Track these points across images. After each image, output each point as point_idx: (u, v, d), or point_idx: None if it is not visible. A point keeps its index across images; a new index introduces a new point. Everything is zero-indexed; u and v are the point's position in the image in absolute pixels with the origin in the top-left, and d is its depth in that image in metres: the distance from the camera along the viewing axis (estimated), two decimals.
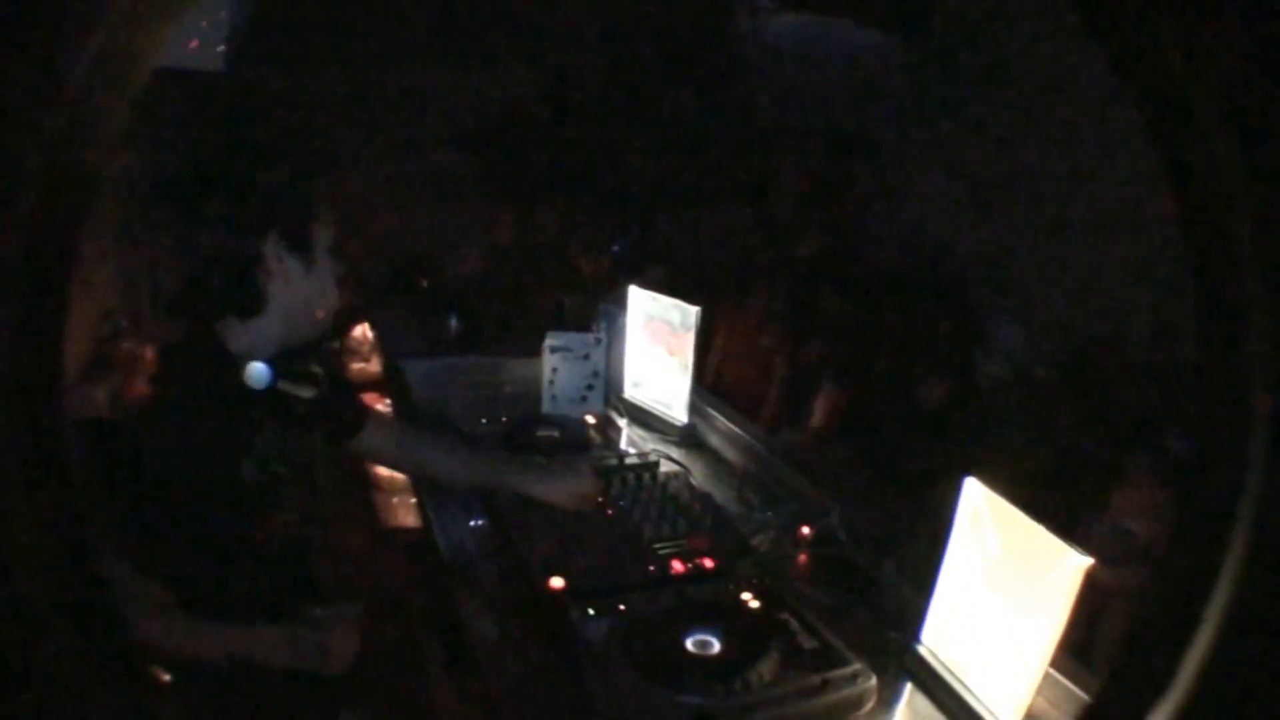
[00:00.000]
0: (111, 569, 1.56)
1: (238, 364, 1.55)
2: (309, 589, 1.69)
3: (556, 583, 1.75)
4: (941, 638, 1.60)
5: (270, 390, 1.56)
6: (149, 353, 5.16)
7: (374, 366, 4.28)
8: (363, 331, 4.40)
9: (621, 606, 1.67)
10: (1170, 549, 1.14)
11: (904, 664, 1.63)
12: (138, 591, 1.44)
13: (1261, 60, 0.77)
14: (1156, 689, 0.79)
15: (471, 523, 2.18)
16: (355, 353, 4.42)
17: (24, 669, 0.83)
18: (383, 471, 3.38)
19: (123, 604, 1.45)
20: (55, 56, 0.80)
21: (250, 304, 1.56)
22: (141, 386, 5.11)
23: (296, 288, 1.58)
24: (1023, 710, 1.37)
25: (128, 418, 1.53)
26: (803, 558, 2.07)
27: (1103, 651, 2.90)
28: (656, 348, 2.88)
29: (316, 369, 1.65)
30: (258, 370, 1.53)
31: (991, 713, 1.42)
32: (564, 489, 1.91)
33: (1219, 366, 0.94)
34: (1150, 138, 0.98)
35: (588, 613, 1.64)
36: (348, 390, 1.87)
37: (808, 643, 1.58)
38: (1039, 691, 1.38)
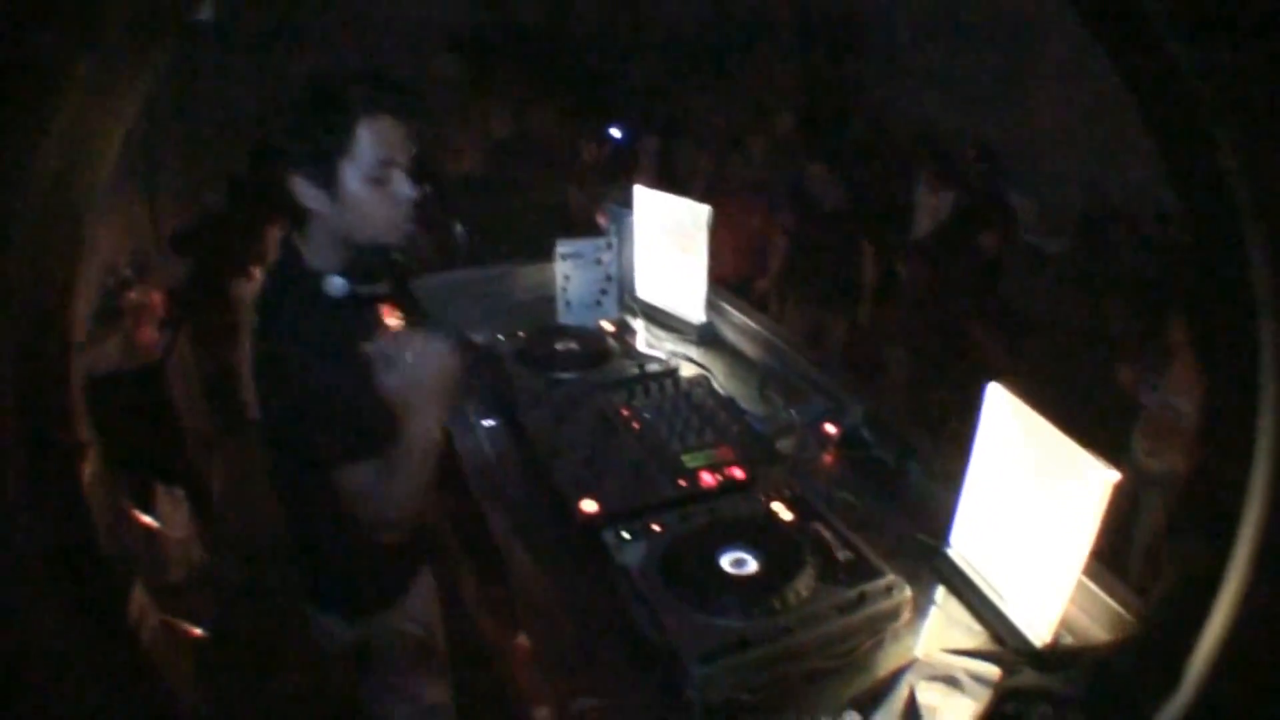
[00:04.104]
0: None
1: (319, 276, 1.60)
2: None
3: (589, 506, 1.75)
4: (971, 543, 1.62)
5: (352, 297, 1.61)
6: (157, 298, 5.09)
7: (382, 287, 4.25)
8: None
9: (656, 527, 1.67)
10: (1174, 544, 1.13)
11: (935, 568, 1.66)
12: None
13: None
14: (1165, 684, 0.79)
15: (485, 422, 2.23)
16: None
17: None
18: None
19: None
20: (48, 83, 0.78)
21: (295, 217, 1.62)
22: (151, 333, 5.06)
23: (330, 215, 1.59)
24: (1057, 622, 1.39)
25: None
26: (828, 458, 2.08)
27: (1140, 547, 2.95)
28: (667, 247, 2.83)
29: (395, 257, 1.67)
30: (334, 282, 1.59)
31: (1027, 622, 1.44)
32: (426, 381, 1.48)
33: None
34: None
35: (622, 536, 1.65)
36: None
37: (841, 554, 1.58)
38: (1070, 599, 1.39)
